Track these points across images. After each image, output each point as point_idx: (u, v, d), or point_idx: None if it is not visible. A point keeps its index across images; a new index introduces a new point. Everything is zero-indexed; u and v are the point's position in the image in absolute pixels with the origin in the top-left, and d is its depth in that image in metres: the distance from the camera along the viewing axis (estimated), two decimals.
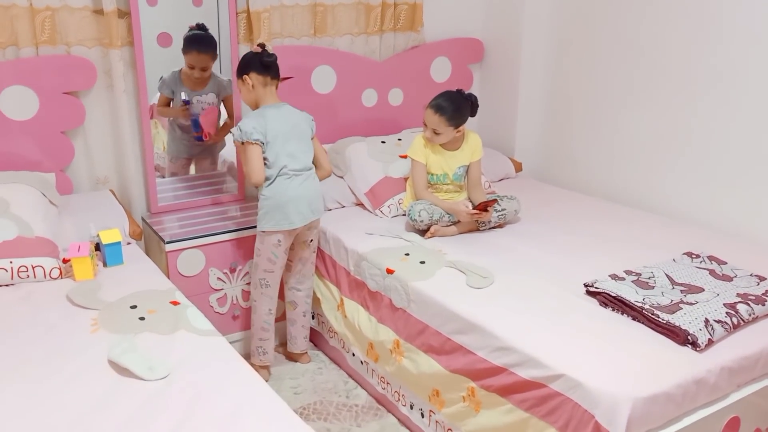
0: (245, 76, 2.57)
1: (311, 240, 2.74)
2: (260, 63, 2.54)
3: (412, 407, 2.40)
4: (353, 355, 2.70)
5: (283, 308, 2.91)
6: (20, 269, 2.20)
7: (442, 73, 3.60)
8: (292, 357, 2.95)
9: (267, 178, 2.56)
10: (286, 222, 2.56)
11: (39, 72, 2.60)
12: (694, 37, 2.88)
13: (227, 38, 2.97)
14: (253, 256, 2.68)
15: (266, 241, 2.60)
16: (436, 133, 2.76)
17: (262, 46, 2.60)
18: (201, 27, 3.00)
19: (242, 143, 2.52)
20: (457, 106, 2.75)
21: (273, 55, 2.57)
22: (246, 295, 2.89)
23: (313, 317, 2.99)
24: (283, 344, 3.00)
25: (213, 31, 3.06)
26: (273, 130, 2.53)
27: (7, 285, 2.21)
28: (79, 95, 2.73)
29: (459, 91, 2.81)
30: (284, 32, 3.13)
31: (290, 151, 2.57)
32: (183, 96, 2.67)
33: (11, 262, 2.19)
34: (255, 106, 2.63)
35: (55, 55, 2.64)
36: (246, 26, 2.98)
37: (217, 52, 3.05)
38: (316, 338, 3.08)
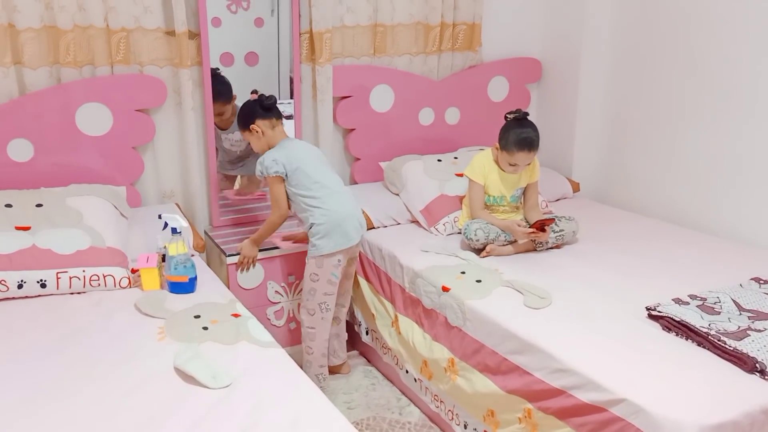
0: (252, 126, 2.61)
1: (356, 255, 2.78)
2: (261, 107, 2.60)
3: (465, 427, 2.38)
4: (407, 372, 2.70)
5: None
6: (92, 278, 2.30)
7: (499, 93, 3.60)
8: (334, 370, 2.94)
9: (311, 205, 2.57)
10: (346, 240, 2.58)
11: (113, 90, 2.73)
12: (760, 55, 2.81)
13: (287, 58, 3.06)
14: (306, 282, 2.63)
15: (326, 264, 2.59)
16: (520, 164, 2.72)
17: (256, 92, 2.65)
18: (214, 73, 2.93)
19: (264, 178, 2.60)
20: (538, 131, 2.72)
21: (272, 96, 2.62)
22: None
23: (366, 333, 3.01)
24: None
25: (273, 51, 3.14)
26: (297, 156, 2.58)
27: (79, 292, 2.31)
28: (150, 112, 2.85)
29: (526, 113, 2.75)
30: (345, 52, 3.21)
31: (324, 172, 2.63)
32: None
33: (84, 271, 2.29)
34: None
35: (128, 74, 2.77)
36: (308, 47, 3.06)
37: (230, 97, 3.00)
38: (369, 354, 3.09)
